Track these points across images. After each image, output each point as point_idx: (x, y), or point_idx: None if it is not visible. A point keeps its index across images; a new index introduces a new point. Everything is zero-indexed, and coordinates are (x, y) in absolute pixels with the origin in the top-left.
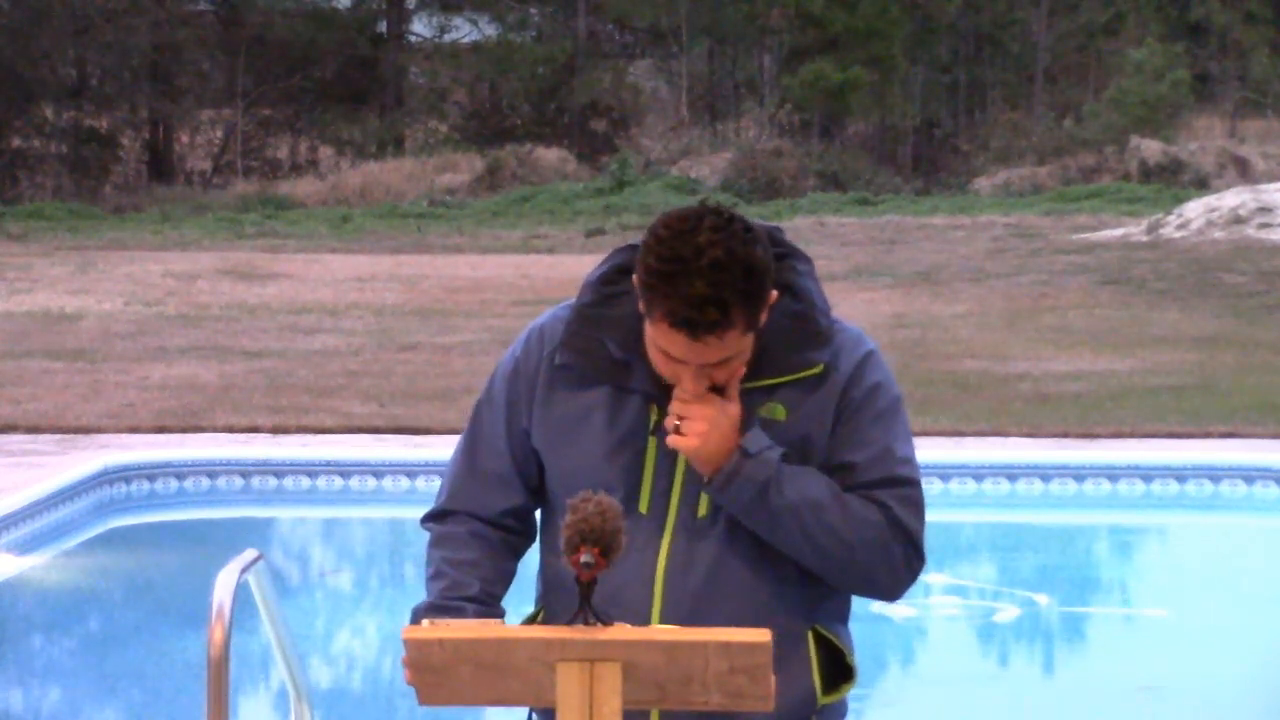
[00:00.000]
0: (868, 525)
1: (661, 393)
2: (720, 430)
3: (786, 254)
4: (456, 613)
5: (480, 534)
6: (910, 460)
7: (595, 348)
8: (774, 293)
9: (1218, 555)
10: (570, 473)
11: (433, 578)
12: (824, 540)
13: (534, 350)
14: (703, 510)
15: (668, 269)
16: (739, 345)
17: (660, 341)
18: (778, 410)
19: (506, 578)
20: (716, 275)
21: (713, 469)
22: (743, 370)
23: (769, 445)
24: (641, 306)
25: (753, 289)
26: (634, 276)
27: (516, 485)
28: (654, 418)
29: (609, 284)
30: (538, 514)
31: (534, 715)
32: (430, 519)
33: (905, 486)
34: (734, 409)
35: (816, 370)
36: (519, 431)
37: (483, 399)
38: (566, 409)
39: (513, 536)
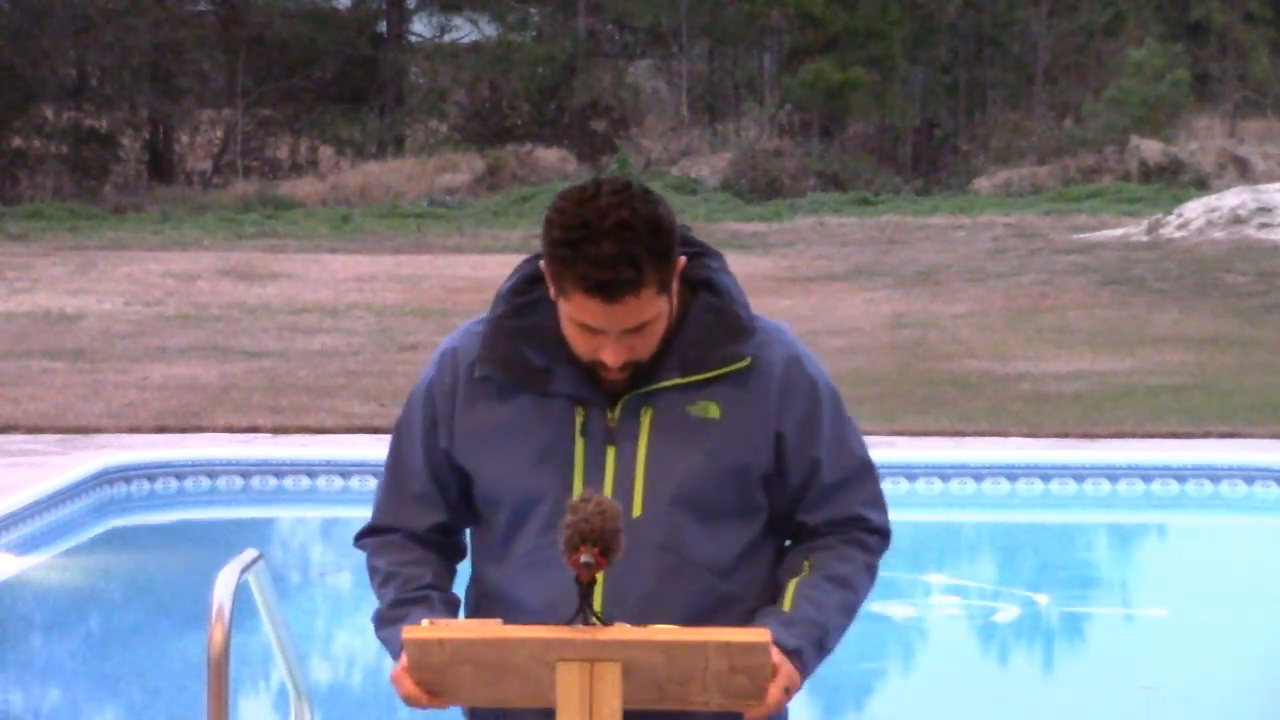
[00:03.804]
0: (861, 574)
1: (586, 394)
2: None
3: (698, 251)
4: (423, 602)
5: (416, 539)
6: (861, 445)
7: (514, 358)
8: (682, 259)
9: (1218, 555)
10: (499, 481)
11: (384, 583)
12: (853, 615)
13: (447, 370)
14: (637, 509)
15: (574, 236)
16: (655, 308)
17: (576, 314)
18: (710, 408)
19: (451, 574)
20: (623, 234)
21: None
22: (658, 339)
23: (785, 620)
24: (552, 290)
25: (662, 246)
26: (541, 262)
27: (438, 503)
28: (580, 420)
29: (520, 294)
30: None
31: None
32: (363, 537)
33: (868, 483)
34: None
35: (744, 364)
36: (437, 452)
37: (401, 423)
38: (489, 420)
39: (444, 548)
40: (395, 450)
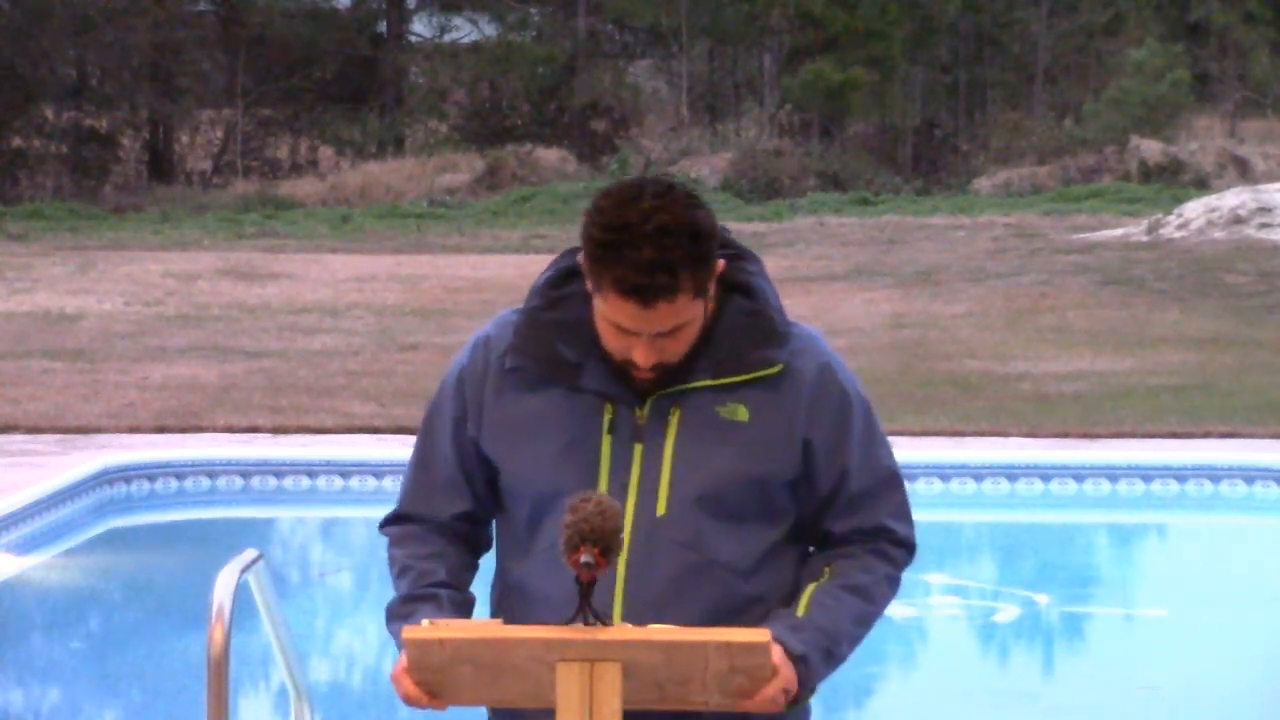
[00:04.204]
0: (882, 584)
1: (615, 391)
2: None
3: (736, 254)
4: (431, 599)
5: (438, 531)
6: (890, 456)
7: (546, 350)
8: (720, 261)
9: (1218, 555)
10: (524, 474)
11: (399, 575)
12: (870, 626)
13: (480, 358)
14: (661, 509)
15: (613, 238)
16: (689, 312)
17: (610, 314)
18: (739, 411)
19: (470, 569)
20: (663, 240)
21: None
22: (690, 342)
23: (794, 625)
24: (589, 284)
25: (700, 252)
26: (579, 256)
27: (465, 491)
28: (608, 416)
29: (556, 288)
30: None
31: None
32: (387, 524)
33: (895, 494)
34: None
35: (776, 369)
36: (466, 440)
37: (431, 407)
38: (518, 411)
39: (468, 538)
40: (424, 436)
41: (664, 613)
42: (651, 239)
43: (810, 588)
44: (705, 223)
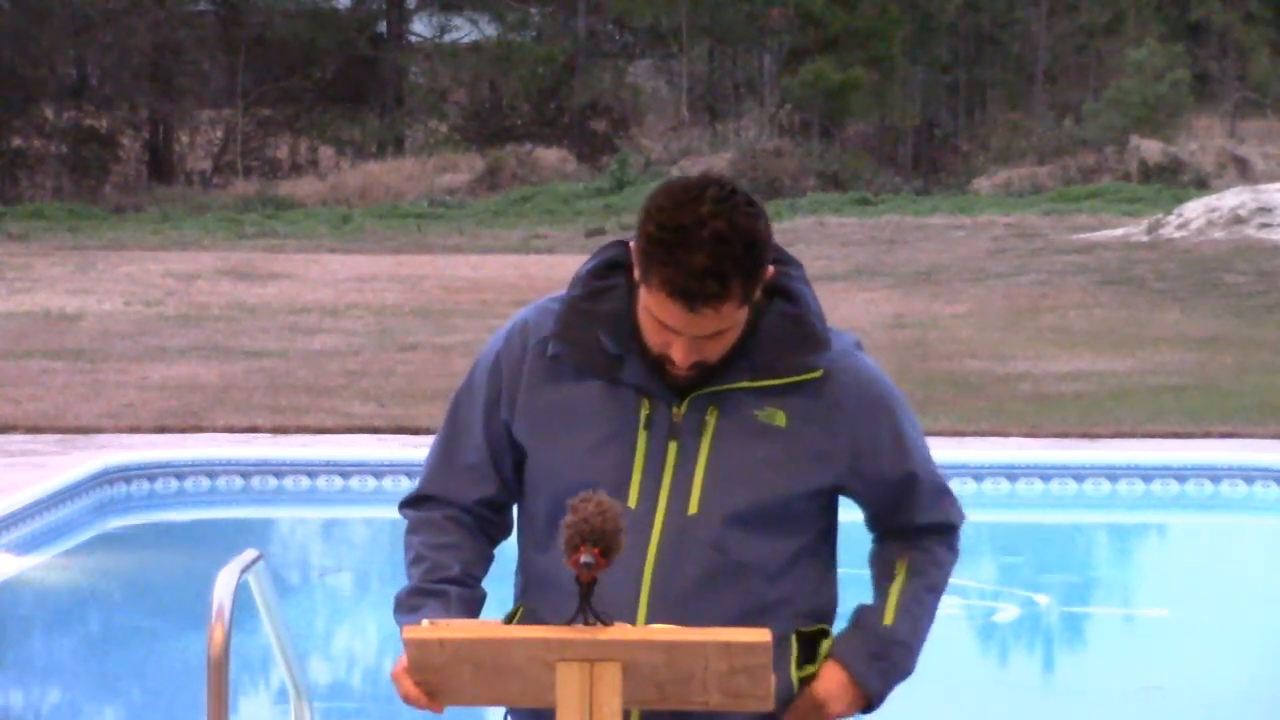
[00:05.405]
0: (948, 577)
1: (653, 387)
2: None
3: (777, 258)
4: (439, 596)
5: (457, 519)
6: (929, 452)
7: (588, 340)
8: (770, 268)
9: (1218, 555)
10: (556, 464)
11: (413, 563)
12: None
13: (517, 343)
14: (693, 507)
15: (668, 238)
16: (733, 318)
17: (655, 310)
18: (777, 416)
19: (485, 561)
20: (718, 248)
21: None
22: (729, 345)
23: (877, 650)
24: (637, 274)
25: (753, 262)
26: (631, 243)
27: (491, 476)
28: (645, 412)
29: (600, 278)
30: (514, 509)
31: (509, 716)
32: (407, 505)
33: (946, 488)
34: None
35: (815, 375)
36: (497, 424)
37: (462, 389)
38: (555, 400)
39: (488, 525)
40: (453, 418)
41: (688, 612)
42: (706, 246)
43: (895, 589)
44: (762, 232)
